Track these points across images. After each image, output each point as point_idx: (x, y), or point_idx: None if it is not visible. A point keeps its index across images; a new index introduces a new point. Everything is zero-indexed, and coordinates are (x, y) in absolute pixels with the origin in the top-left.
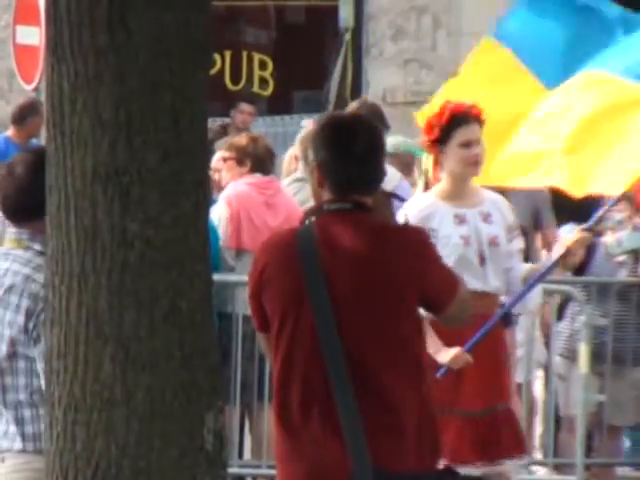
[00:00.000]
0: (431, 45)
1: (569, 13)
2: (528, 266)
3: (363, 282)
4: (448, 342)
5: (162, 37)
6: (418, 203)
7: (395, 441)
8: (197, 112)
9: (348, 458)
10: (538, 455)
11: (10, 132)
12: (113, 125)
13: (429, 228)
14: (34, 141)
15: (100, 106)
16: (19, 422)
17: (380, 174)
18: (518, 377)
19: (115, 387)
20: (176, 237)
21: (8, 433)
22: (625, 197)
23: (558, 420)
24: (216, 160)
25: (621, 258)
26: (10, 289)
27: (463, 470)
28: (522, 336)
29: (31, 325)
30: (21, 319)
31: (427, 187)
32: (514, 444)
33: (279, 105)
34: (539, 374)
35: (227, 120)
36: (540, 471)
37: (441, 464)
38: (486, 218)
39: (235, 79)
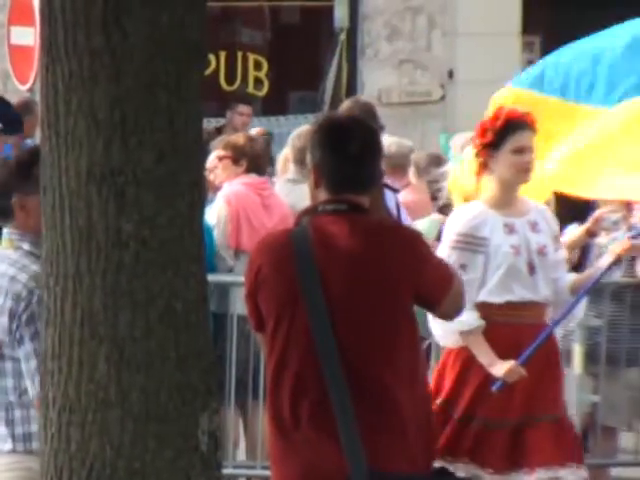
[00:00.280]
0: (426, 45)
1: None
2: (574, 276)
3: (358, 282)
4: (502, 354)
5: (157, 38)
6: (468, 211)
7: (391, 441)
8: (192, 112)
9: (344, 459)
10: None
11: None
12: (108, 125)
13: (480, 237)
14: (29, 141)
15: (95, 106)
16: (9, 423)
17: (376, 174)
18: None
19: (110, 388)
20: (171, 238)
21: None
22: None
23: None
24: (211, 160)
25: None
26: None
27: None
28: None
29: (14, 326)
30: (5, 320)
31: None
32: (571, 454)
33: (274, 105)
34: None
35: (222, 121)
36: None
37: (436, 464)
38: (534, 227)
39: (230, 79)
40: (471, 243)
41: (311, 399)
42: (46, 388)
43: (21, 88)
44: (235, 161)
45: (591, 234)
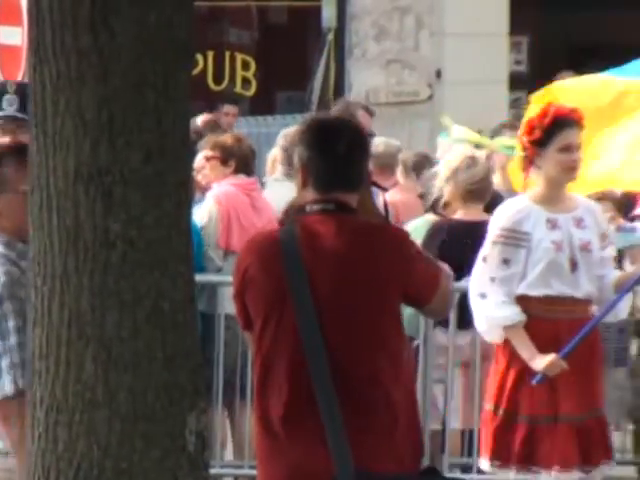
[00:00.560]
0: (414, 45)
1: None
2: (619, 273)
3: (345, 282)
4: (542, 348)
5: (145, 38)
6: (512, 206)
7: (377, 442)
8: (180, 112)
9: (330, 459)
10: None
11: None
12: (96, 125)
13: (523, 232)
14: None
15: (83, 107)
16: None
17: (364, 173)
18: None
19: (97, 388)
20: (159, 238)
21: None
22: (608, 197)
23: None
24: (198, 160)
25: None
26: None
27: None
28: None
29: None
30: None
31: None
32: (605, 450)
33: (262, 105)
34: None
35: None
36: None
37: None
38: (579, 223)
39: (218, 79)
40: (514, 238)
41: (298, 399)
42: (34, 388)
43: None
44: (223, 162)
45: None
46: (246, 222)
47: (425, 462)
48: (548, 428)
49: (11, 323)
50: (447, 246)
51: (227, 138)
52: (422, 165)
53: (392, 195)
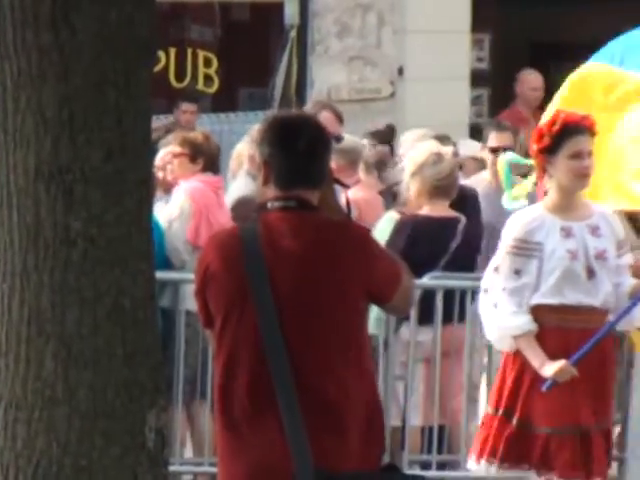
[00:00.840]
0: (376, 43)
1: None
2: (635, 281)
3: (306, 280)
4: (551, 357)
5: (106, 35)
6: (526, 215)
7: (337, 440)
8: (141, 110)
9: (290, 458)
10: None
11: None
12: (56, 123)
13: (535, 242)
14: None
15: (43, 104)
16: None
17: (325, 170)
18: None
19: (57, 385)
20: (119, 235)
21: None
22: None
23: None
24: (160, 157)
25: None
26: None
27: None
28: None
29: None
30: None
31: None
32: (603, 465)
33: (224, 102)
34: None
35: (172, 118)
36: None
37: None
38: (594, 231)
39: (180, 76)
40: (525, 248)
41: (259, 397)
42: None
43: None
44: (192, 159)
45: None
46: (214, 219)
47: (385, 459)
48: (560, 438)
49: None
50: (412, 242)
51: (197, 135)
52: (384, 162)
53: (354, 193)
